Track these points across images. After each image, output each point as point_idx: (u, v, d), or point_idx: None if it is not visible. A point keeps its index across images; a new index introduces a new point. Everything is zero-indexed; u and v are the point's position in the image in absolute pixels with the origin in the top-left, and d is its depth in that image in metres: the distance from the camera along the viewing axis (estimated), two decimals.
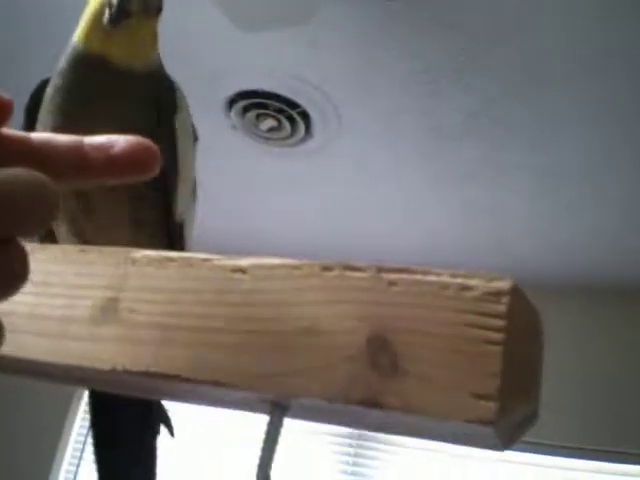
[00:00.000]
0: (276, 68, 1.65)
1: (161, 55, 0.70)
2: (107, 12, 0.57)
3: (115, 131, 0.55)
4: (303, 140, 1.89)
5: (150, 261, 0.34)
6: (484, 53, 1.47)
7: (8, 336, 0.33)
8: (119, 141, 0.27)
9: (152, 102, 0.61)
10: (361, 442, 2.24)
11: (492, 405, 0.26)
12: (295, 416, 0.32)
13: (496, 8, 1.36)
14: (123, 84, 0.58)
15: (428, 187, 1.97)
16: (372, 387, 0.28)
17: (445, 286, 0.28)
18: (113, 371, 0.32)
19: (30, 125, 0.61)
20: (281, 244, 2.39)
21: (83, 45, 0.58)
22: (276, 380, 0.30)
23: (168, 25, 1.50)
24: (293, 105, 1.76)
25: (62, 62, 0.59)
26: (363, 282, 0.29)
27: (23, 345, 0.35)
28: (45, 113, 0.58)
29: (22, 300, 0.35)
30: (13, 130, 0.27)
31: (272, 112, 1.78)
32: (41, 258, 0.35)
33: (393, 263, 0.30)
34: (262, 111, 1.78)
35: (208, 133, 1.91)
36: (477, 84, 1.56)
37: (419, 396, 0.27)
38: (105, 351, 0.32)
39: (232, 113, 1.80)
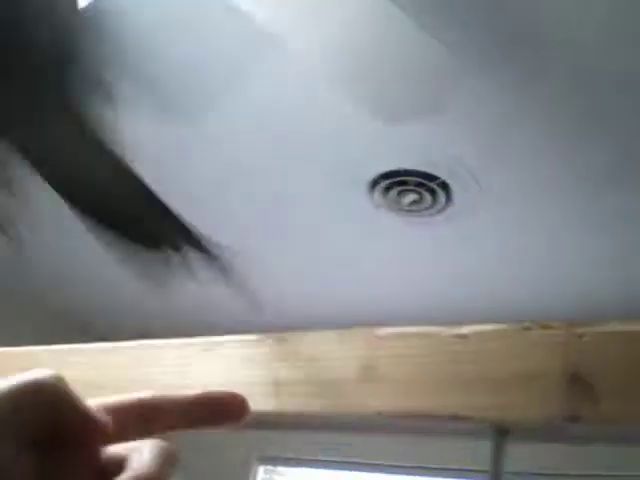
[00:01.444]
0: (412, 146, 1.82)
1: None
2: None
3: None
4: (444, 208, 2.03)
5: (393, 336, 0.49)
6: (619, 108, 1.57)
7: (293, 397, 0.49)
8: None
9: None
10: None
11: None
12: (514, 440, 0.46)
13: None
14: None
15: (571, 242, 2.05)
16: (574, 408, 0.41)
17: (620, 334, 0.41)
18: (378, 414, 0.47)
19: None
20: (427, 308, 2.51)
21: None
22: (502, 411, 0.43)
23: (314, 118, 1.72)
24: (432, 177, 1.92)
25: None
26: (558, 337, 0.43)
27: (304, 403, 0.51)
28: None
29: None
30: (122, 399, 0.36)
31: (412, 187, 1.94)
32: None
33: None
34: (403, 187, 1.95)
35: (353, 215, 2.10)
36: (615, 138, 1.65)
37: (611, 411, 0.40)
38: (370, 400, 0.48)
39: (375, 194, 1.98)
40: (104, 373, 0.62)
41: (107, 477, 0.32)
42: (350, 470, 2.58)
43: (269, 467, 2.78)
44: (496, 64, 1.54)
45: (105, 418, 0.33)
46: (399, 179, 1.92)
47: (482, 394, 0.44)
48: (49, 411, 0.31)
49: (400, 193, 1.97)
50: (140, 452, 0.33)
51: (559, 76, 1.53)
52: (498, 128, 1.72)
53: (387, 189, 1.96)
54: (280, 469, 2.78)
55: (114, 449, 0.34)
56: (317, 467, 2.66)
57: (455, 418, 0.45)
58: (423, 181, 1.92)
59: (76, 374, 0.63)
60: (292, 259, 2.41)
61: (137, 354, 0.61)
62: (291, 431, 2.53)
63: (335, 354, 0.50)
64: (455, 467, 2.17)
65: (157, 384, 0.58)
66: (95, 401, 0.33)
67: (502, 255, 2.19)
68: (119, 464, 0.32)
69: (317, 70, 1.49)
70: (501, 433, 0.40)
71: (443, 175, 1.90)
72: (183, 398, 0.36)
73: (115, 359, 0.62)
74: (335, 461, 2.57)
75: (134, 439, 0.34)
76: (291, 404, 0.52)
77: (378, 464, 2.46)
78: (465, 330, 0.47)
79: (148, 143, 1.83)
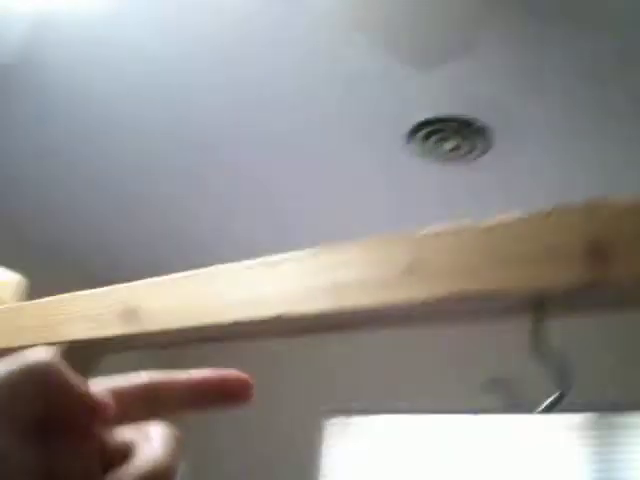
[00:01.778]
0: (449, 93, 1.86)
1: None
2: None
3: None
4: (482, 154, 2.07)
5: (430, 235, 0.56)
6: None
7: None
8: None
9: None
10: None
11: None
12: (550, 315, 0.52)
13: None
14: None
15: (610, 183, 2.07)
16: (594, 276, 0.47)
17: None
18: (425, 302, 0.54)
19: None
20: None
21: None
22: (533, 282, 0.50)
23: (349, 73, 1.77)
24: (470, 123, 1.95)
25: None
26: (577, 215, 0.49)
27: (358, 301, 0.58)
28: None
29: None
30: (130, 383, 0.34)
31: (451, 134, 1.98)
32: None
33: None
34: (441, 135, 1.99)
35: (393, 164, 2.16)
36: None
37: (629, 278, 0.46)
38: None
39: (414, 143, 2.03)
40: (180, 302, 0.69)
41: (114, 464, 0.31)
42: (415, 414, 2.67)
43: (336, 419, 2.90)
44: (523, 7, 1.57)
45: (105, 400, 0.32)
46: (437, 127, 1.96)
47: (513, 273, 0.51)
48: (44, 396, 0.30)
49: (439, 141, 2.01)
50: (149, 440, 0.32)
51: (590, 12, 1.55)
52: (531, 70, 1.75)
53: (426, 137, 2.00)
54: (347, 420, 2.89)
55: (121, 435, 0.33)
56: (383, 414, 2.76)
57: (492, 296, 0.52)
58: (461, 127, 1.95)
59: (155, 305, 0.71)
60: (335, 208, 2.48)
61: (203, 281, 0.68)
62: (355, 382, 2.63)
63: (382, 255, 0.58)
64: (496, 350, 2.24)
65: (229, 306, 0.66)
66: (96, 384, 0.32)
67: (541, 198, 2.22)
68: (127, 451, 0.32)
69: (345, 22, 1.54)
70: (538, 310, 0.46)
71: (481, 120, 1.94)
72: (186, 380, 0.35)
73: (186, 288, 0.70)
74: (399, 408, 2.66)
75: (138, 422, 0.33)
76: (348, 302, 0.60)
77: (442, 409, 2.54)
78: (493, 222, 0.53)
79: None
